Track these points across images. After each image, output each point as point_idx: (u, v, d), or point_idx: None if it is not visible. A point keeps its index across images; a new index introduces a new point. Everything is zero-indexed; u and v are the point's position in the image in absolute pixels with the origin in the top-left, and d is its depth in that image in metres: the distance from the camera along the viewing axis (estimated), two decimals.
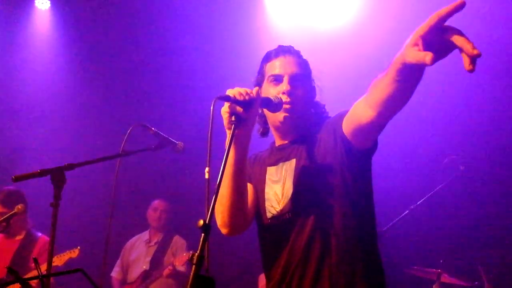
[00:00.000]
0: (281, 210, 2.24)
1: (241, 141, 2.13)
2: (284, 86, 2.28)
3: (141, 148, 2.94)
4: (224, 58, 6.25)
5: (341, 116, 2.17)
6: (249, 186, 2.39)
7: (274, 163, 2.37)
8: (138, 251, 5.82)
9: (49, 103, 6.84)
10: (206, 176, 1.87)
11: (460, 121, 5.48)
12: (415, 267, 4.71)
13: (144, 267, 5.64)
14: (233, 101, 2.04)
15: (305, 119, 2.36)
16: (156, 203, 5.91)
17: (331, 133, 2.20)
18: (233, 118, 2.04)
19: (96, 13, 6.74)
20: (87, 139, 6.56)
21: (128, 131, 2.94)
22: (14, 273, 2.17)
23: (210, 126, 1.92)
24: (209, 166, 1.87)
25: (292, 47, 2.41)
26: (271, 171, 2.37)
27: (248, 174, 2.38)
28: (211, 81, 5.99)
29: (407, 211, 4.70)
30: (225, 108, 2.08)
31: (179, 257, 5.48)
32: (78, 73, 6.88)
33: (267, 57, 2.41)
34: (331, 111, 2.44)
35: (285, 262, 2.18)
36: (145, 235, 5.94)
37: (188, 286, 1.63)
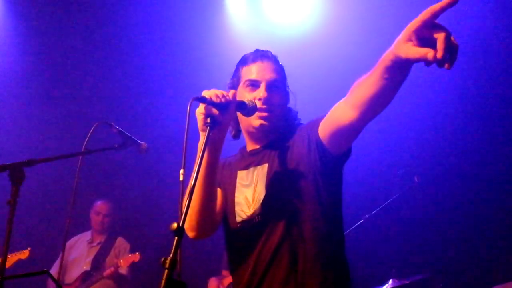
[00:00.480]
0: (252, 215, 2.21)
1: (214, 144, 2.11)
2: (261, 92, 2.26)
3: (104, 147, 2.86)
4: (188, 57, 6.23)
5: (316, 121, 2.18)
6: (218, 190, 2.35)
7: (245, 167, 2.35)
8: (79, 251, 5.65)
9: (8, 95, 6.58)
10: (181, 178, 1.82)
11: (415, 133, 5.63)
12: None
13: (85, 267, 5.48)
14: (209, 102, 2.02)
15: (279, 125, 2.34)
16: (98, 206, 5.75)
17: (305, 139, 2.20)
18: (208, 120, 2.01)
19: (56, 4, 6.53)
20: (48, 135, 6.37)
21: (92, 128, 2.85)
22: None
23: (186, 127, 1.87)
24: (184, 168, 1.83)
25: (270, 52, 2.39)
26: (241, 175, 2.34)
27: (217, 178, 2.34)
28: (177, 81, 5.97)
29: (362, 220, 4.79)
30: (200, 110, 2.04)
31: (125, 258, 5.36)
32: (40, 65, 6.62)
33: (244, 61, 2.38)
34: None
35: (254, 266, 2.17)
36: (87, 235, 5.78)
37: None
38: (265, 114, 2.25)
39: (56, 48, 6.56)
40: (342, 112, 1.97)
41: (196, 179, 1.83)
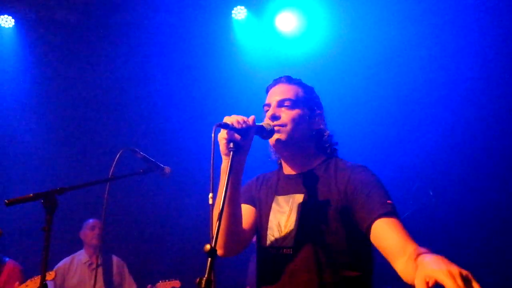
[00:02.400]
0: (281, 243, 2.28)
1: (236, 167, 2.19)
2: (270, 111, 2.36)
3: (129, 172, 2.96)
4: (204, 83, 6.46)
5: (368, 197, 2.17)
6: (251, 209, 2.44)
7: (282, 193, 2.40)
8: (79, 274, 5.62)
9: (38, 126, 6.83)
10: (210, 201, 1.90)
11: (427, 147, 5.71)
12: None
13: None
14: (231, 128, 2.12)
15: (303, 145, 2.38)
16: (93, 222, 5.76)
17: (344, 189, 2.23)
18: (231, 145, 2.12)
19: (62, 38, 6.71)
20: (75, 163, 6.60)
21: (117, 155, 2.95)
22: None
23: (212, 152, 1.95)
24: (212, 192, 1.91)
25: (286, 76, 2.48)
26: (278, 200, 2.39)
27: (252, 196, 2.44)
28: (193, 107, 6.19)
29: None
30: (223, 135, 2.15)
31: (163, 283, 5.45)
32: (66, 95, 6.88)
33: (266, 91, 2.49)
34: None
35: None
36: (80, 256, 5.74)
37: None
38: (277, 128, 2.32)
39: (82, 77, 6.77)
40: (393, 255, 2.02)
41: (224, 202, 1.92)
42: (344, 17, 6.02)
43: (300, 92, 2.43)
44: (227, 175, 2.01)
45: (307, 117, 2.40)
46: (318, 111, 2.45)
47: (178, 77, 6.55)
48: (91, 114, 6.86)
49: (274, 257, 2.30)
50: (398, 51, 5.75)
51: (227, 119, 2.15)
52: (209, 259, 1.78)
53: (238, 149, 2.13)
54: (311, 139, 2.42)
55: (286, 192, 2.38)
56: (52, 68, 6.83)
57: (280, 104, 2.37)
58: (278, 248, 2.29)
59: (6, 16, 6.58)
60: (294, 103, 2.38)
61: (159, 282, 5.53)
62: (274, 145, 2.37)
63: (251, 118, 2.20)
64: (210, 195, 1.92)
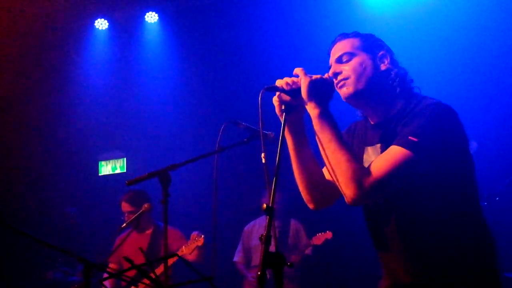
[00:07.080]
0: None
1: (295, 126, 2.34)
2: (331, 70, 2.38)
3: (234, 142, 3.15)
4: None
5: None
6: None
7: (370, 143, 2.42)
8: (259, 235, 6.11)
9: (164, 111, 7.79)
10: (263, 160, 2.07)
11: None
12: None
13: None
14: (280, 90, 2.25)
15: (377, 91, 2.34)
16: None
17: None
18: (283, 107, 2.25)
19: (198, 22, 7.38)
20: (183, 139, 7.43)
21: (221, 128, 3.14)
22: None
23: (260, 115, 2.12)
24: (264, 152, 2.07)
25: (341, 34, 2.46)
26: (368, 151, 2.42)
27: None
28: None
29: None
30: (275, 97, 2.30)
31: (317, 236, 5.95)
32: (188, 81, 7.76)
33: (327, 54, 2.50)
34: None
35: (384, 245, 2.34)
36: (262, 220, 6.29)
37: (260, 262, 1.91)
38: (340, 84, 2.35)
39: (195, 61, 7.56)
40: None
41: (279, 160, 2.03)
42: None
43: (356, 42, 2.40)
44: (280, 135, 2.14)
45: (370, 61, 2.35)
46: (381, 52, 2.38)
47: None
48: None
49: (374, 206, 2.37)
50: None
51: (278, 82, 2.27)
52: (267, 217, 1.92)
53: (290, 109, 2.25)
54: (382, 83, 2.35)
55: (373, 142, 2.40)
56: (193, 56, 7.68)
57: (339, 60, 2.38)
58: None
59: (151, 12, 7.59)
60: (351, 54, 2.36)
61: (316, 235, 5.97)
62: (347, 101, 2.39)
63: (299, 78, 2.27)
64: (262, 155, 2.08)
